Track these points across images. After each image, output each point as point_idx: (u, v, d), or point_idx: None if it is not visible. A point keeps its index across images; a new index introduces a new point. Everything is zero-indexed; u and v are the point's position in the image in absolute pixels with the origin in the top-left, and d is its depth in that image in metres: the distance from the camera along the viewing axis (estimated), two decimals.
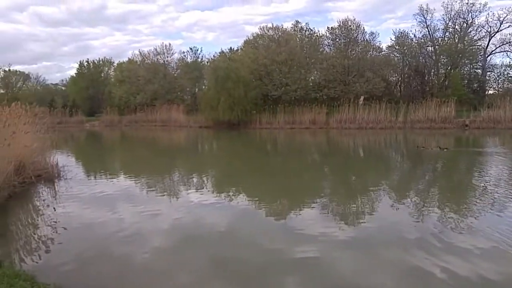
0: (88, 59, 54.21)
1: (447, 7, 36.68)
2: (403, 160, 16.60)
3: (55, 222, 7.19)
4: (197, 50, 46.92)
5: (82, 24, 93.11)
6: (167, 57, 46.09)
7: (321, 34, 37.88)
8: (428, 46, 37.87)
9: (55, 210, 8.00)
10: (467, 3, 35.96)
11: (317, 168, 15.04)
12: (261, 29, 38.24)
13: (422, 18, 37.26)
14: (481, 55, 38.22)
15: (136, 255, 5.61)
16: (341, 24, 36.04)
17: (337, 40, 36.74)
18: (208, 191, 10.25)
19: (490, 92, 39.06)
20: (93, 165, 16.20)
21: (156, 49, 45.95)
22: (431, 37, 37.59)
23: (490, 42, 37.70)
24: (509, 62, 37.69)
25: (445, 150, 16.39)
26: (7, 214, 7.57)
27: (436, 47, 37.50)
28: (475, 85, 38.17)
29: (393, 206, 8.23)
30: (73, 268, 5.23)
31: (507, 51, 37.67)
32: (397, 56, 38.50)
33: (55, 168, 11.54)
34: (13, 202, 8.53)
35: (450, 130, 27.79)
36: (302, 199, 9.01)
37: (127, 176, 12.68)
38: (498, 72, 38.68)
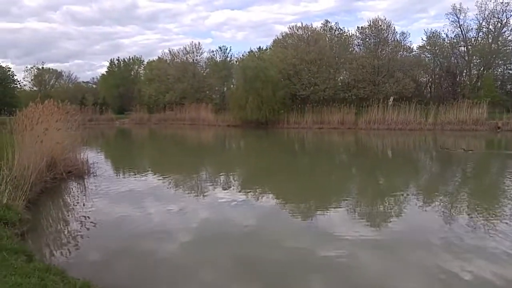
0: (118, 57, 55.90)
1: (481, 7, 35.89)
2: (431, 162, 16.25)
3: (85, 217, 7.30)
4: (226, 49, 47.46)
5: (114, 22, 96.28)
6: (197, 56, 46.83)
7: (351, 34, 37.79)
8: (460, 46, 37.25)
9: (84, 206, 8.16)
10: (501, 3, 35.07)
11: (344, 169, 14.98)
12: (290, 28, 38.41)
13: (455, 18, 36.67)
14: None
15: (163, 252, 5.68)
16: (371, 23, 35.76)
17: (367, 40, 36.48)
18: (235, 189, 10.25)
19: None
20: (122, 162, 16.52)
21: (185, 48, 46.77)
22: (464, 37, 36.92)
23: None
24: None
25: (470, 152, 16.01)
26: (38, 209, 7.68)
27: (469, 47, 36.82)
28: (509, 86, 37.28)
29: (420, 208, 8.18)
30: (101, 263, 5.33)
31: None
32: (428, 57, 38.01)
33: (85, 164, 11.75)
34: (45, 197, 8.64)
35: (482, 132, 27.14)
36: (328, 200, 9.00)
37: (155, 173, 12.80)
38: None
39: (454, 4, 36.69)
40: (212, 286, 4.81)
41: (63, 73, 64.60)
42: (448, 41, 36.98)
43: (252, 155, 20.00)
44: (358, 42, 37.44)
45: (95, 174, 11.59)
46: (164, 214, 7.65)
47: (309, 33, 36.81)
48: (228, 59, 46.91)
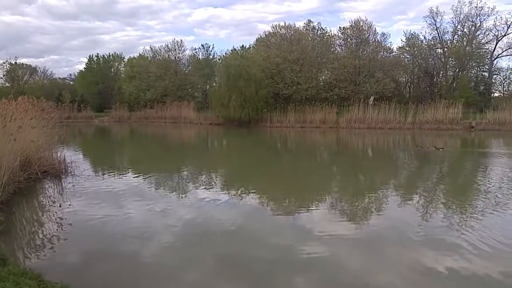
0: (98, 53, 54.71)
1: (457, 10, 37.26)
2: (407, 161, 16.52)
3: (61, 218, 7.06)
4: (209, 47, 47.24)
5: (92, 18, 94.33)
6: (179, 53, 46.32)
7: (333, 34, 38.36)
8: (437, 48, 38.46)
9: (61, 207, 7.88)
10: (476, 7, 36.48)
11: (326, 167, 15.20)
12: (273, 27, 38.59)
13: (432, 21, 37.90)
14: (488, 58, 38.71)
15: (144, 252, 5.57)
16: (353, 24, 36.38)
17: (349, 40, 37.08)
18: (218, 188, 10.18)
19: (496, 94, 40.17)
20: (101, 161, 16.17)
21: (167, 45, 46.19)
22: (441, 39, 38.12)
23: (497, 46, 38.19)
24: None
25: (441, 150, 16.85)
26: (12, 211, 7.35)
27: (445, 49, 38.07)
28: (482, 87, 38.73)
29: (398, 204, 8.42)
30: (79, 265, 5.16)
31: None
32: (407, 58, 38.93)
33: (62, 163, 11.33)
34: (18, 198, 8.31)
35: (457, 132, 28.18)
36: (311, 198, 9.03)
37: (135, 172, 12.53)
38: (504, 75, 39.96)
39: (431, 7, 38.08)
40: (197, 287, 4.73)
41: (38, 69, 62.50)
42: (426, 43, 38.11)
43: (235, 153, 19.93)
44: (340, 42, 38.07)
45: (73, 174, 11.24)
46: (146, 214, 7.50)
47: (292, 32, 37.06)
48: (211, 57, 46.74)
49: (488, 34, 37.48)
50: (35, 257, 5.41)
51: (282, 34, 37.44)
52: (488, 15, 36.64)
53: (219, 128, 34.55)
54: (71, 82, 62.73)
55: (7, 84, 56.48)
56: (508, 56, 38.79)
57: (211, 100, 38.86)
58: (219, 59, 44.76)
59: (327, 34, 38.08)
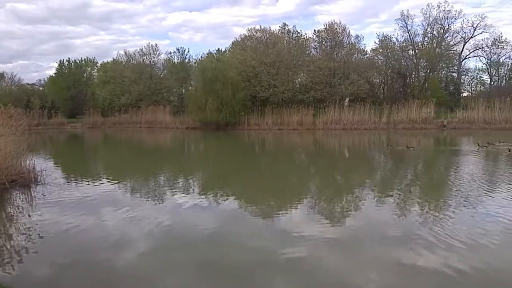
0: (69, 58, 52.81)
1: (426, 14, 38.62)
2: (383, 160, 16.94)
3: (30, 230, 6.76)
4: (184, 50, 46.76)
5: (63, 22, 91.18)
6: (154, 57, 45.49)
7: (308, 37, 38.64)
8: (409, 50, 39.56)
9: (30, 217, 7.56)
10: (443, 10, 37.93)
11: (304, 169, 15.26)
12: (249, 30, 38.56)
13: (404, 23, 39.02)
14: (456, 60, 40.46)
15: (120, 261, 5.41)
16: (328, 27, 36.78)
17: (324, 43, 37.47)
18: (195, 193, 10.01)
19: (465, 94, 41.91)
20: (73, 168, 15.58)
21: (142, 50, 45.26)
22: (412, 41, 39.25)
23: (465, 48, 40.09)
24: (481, 66, 41.12)
25: (411, 148, 17.37)
26: None
27: (417, 51, 39.24)
28: (452, 88, 40.15)
29: (374, 204, 8.57)
30: (50, 278, 4.95)
31: (480, 56, 40.51)
32: (381, 59, 39.78)
33: (31, 172, 10.90)
34: None
35: (430, 130, 29.08)
36: (289, 200, 9.07)
37: (110, 179, 12.16)
38: (471, 76, 42.02)
39: (402, 10, 39.01)
40: None
41: (5, 75, 59.93)
42: (398, 45, 39.13)
43: (212, 157, 19.72)
44: (315, 45, 38.45)
45: (43, 182, 10.81)
46: (121, 222, 7.27)
47: (267, 35, 37.15)
48: (187, 60, 46.25)
49: (456, 36, 39.20)
50: (2, 271, 5.13)
51: (258, 37, 37.48)
52: (455, 18, 38.25)
53: (196, 132, 34.21)
54: (41, 88, 60.43)
55: None
56: (475, 57, 40.87)
57: (187, 104, 38.46)
58: (194, 63, 44.37)
59: (302, 37, 38.40)
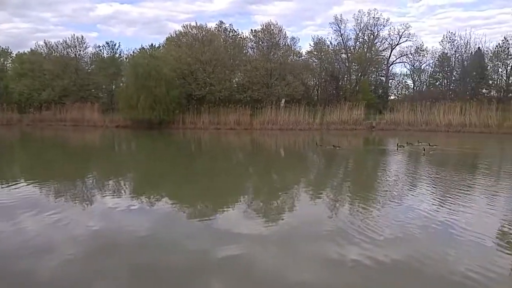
0: None
1: (357, 19, 40.93)
2: (316, 159, 17.47)
3: None
4: (115, 45, 44.07)
5: None
6: (80, 50, 42.16)
7: (245, 36, 38.60)
8: (342, 54, 41.51)
9: None
10: (373, 17, 40.55)
11: (240, 168, 15.10)
12: (184, 27, 37.54)
13: (337, 27, 40.90)
14: (385, 65, 43.44)
15: (41, 270, 4.88)
16: (264, 27, 37.03)
17: (260, 43, 37.72)
18: (126, 195, 9.39)
19: (392, 97, 45.15)
20: None
21: (66, 41, 41.70)
22: (345, 45, 41.34)
23: (392, 54, 43.22)
24: (406, 71, 45.15)
25: (338, 148, 18.37)
26: None
27: (349, 54, 41.33)
28: (380, 91, 43.03)
29: (308, 201, 8.82)
30: None
31: (405, 62, 44.23)
32: (315, 62, 41.20)
33: None
34: None
35: (360, 131, 30.71)
36: (225, 199, 8.88)
37: (30, 182, 10.85)
38: (397, 80, 45.71)
39: (336, 15, 40.89)
40: None
41: None
42: (332, 48, 40.84)
43: (145, 157, 18.60)
44: (252, 45, 38.58)
45: None
46: (44, 227, 6.56)
47: (203, 33, 36.42)
48: (117, 55, 43.60)
49: (384, 42, 42.09)
50: None
51: (193, 34, 36.59)
52: (383, 25, 41.08)
53: (127, 130, 32.40)
54: None
55: None
56: (401, 63, 44.53)
57: (117, 101, 36.26)
58: (126, 58, 42.07)
59: (239, 36, 38.33)
